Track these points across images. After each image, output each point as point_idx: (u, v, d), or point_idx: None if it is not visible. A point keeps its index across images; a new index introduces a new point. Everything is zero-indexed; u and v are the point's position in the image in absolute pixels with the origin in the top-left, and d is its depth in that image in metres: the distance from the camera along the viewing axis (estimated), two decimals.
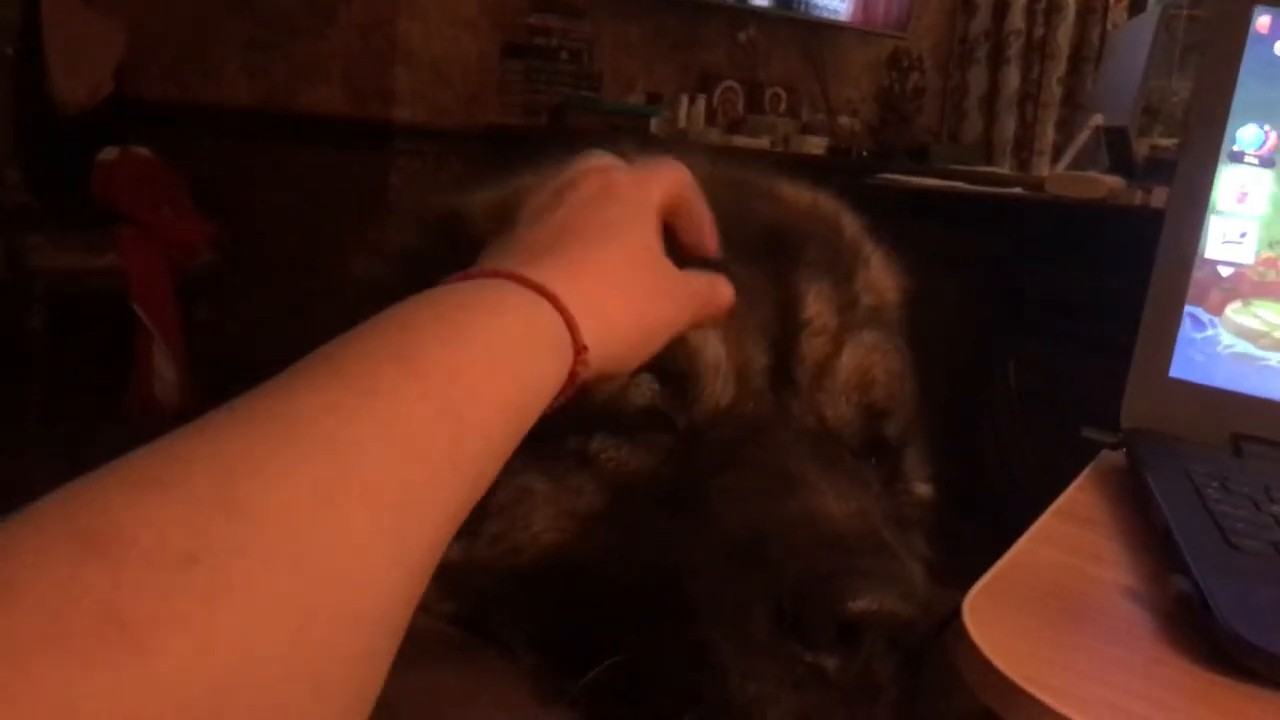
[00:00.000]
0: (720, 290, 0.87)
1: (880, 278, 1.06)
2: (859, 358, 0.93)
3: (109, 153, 5.18)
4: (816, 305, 0.93)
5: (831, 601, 0.70)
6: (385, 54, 5.31)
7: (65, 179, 5.11)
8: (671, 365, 0.86)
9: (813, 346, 0.91)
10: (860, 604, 0.70)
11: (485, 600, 0.83)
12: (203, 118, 5.58)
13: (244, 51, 5.61)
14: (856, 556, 0.74)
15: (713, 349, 0.87)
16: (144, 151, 5.28)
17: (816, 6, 6.17)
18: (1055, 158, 5.78)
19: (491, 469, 0.65)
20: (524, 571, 0.83)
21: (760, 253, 0.93)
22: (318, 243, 4.57)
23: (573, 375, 0.73)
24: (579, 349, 0.72)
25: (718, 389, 0.87)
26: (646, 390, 0.86)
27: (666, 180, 0.86)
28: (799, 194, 1.08)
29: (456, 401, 0.61)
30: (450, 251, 0.94)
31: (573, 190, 0.82)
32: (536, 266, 0.73)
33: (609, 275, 0.77)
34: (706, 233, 0.90)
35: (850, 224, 1.07)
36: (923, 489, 1.07)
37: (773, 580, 0.73)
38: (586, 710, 0.80)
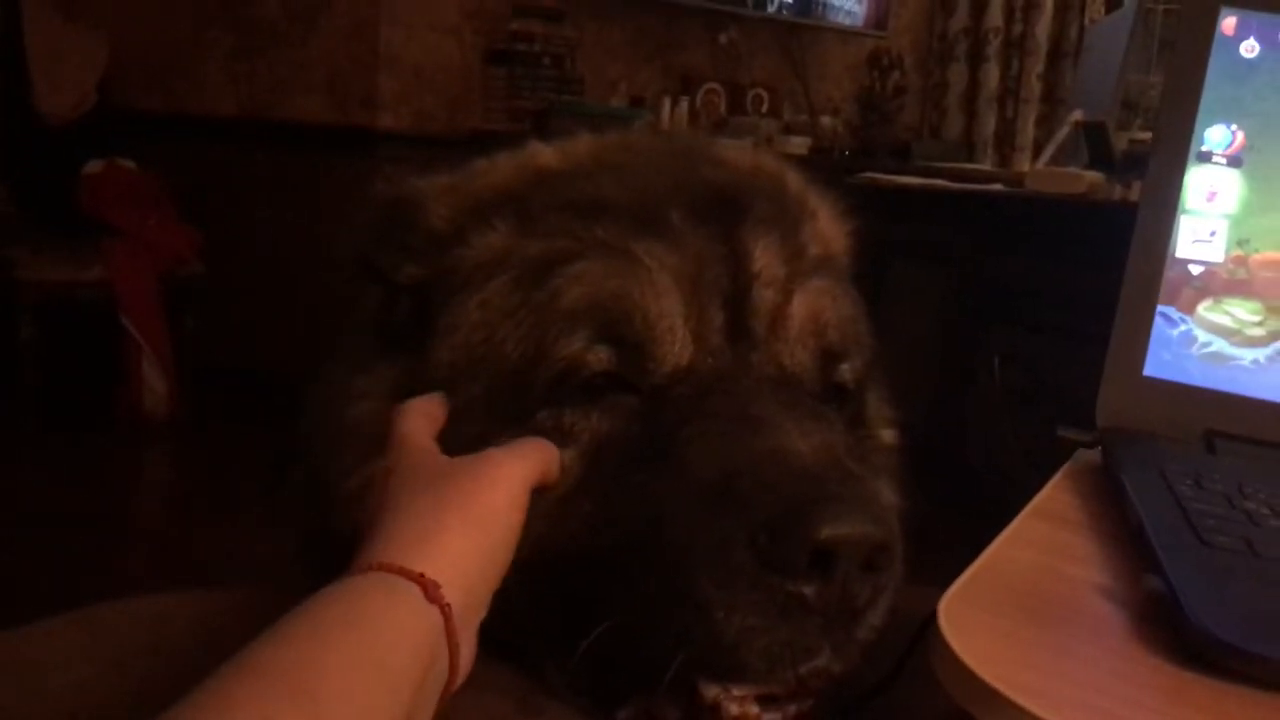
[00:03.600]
0: (546, 455, 0.88)
1: (827, 227, 1.08)
2: (810, 304, 0.96)
3: (94, 165, 5.17)
4: (765, 258, 0.95)
5: (803, 530, 0.73)
6: (368, 61, 5.31)
7: (50, 192, 5.10)
8: (628, 334, 0.89)
9: (764, 298, 0.94)
10: (831, 529, 0.73)
11: (498, 604, 0.85)
12: (187, 128, 5.57)
13: (227, 61, 5.61)
14: (824, 485, 0.76)
15: (667, 316, 0.89)
16: (128, 163, 5.28)
17: (834, 9, 6.21)
18: (1036, 153, 5.79)
19: None
20: (523, 564, 0.85)
21: (709, 214, 0.95)
22: (304, 250, 4.57)
23: (453, 668, 0.76)
24: (443, 608, 0.74)
25: (675, 351, 0.90)
26: (604, 359, 0.89)
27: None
28: (742, 156, 1.10)
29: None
30: (405, 232, 0.99)
31: (449, 487, 0.82)
32: (414, 555, 0.76)
33: (472, 548, 0.80)
34: None
35: (794, 180, 1.10)
36: (887, 434, 1.10)
37: (746, 516, 0.75)
38: (587, 678, 0.83)
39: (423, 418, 0.90)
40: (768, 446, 0.81)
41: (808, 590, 0.74)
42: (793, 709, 0.81)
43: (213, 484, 4.37)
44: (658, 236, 0.92)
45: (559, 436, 0.89)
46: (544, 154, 1.05)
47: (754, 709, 0.80)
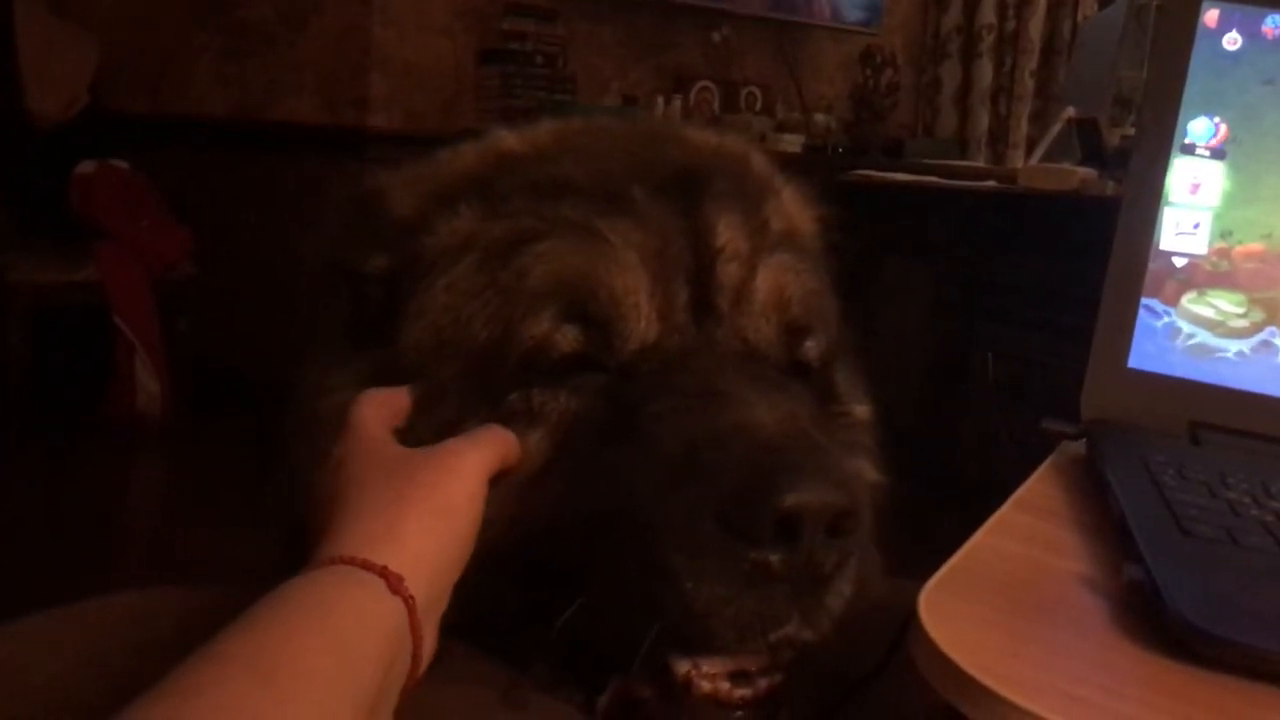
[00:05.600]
0: (504, 443, 0.88)
1: (791, 204, 1.09)
2: (773, 279, 0.96)
3: (85, 166, 5.16)
4: (728, 233, 0.95)
5: (767, 499, 0.74)
6: (359, 61, 5.30)
7: (42, 194, 5.09)
8: (595, 312, 0.90)
9: (728, 273, 0.94)
10: (794, 497, 0.74)
11: (475, 590, 0.85)
12: (178, 129, 5.56)
13: (218, 62, 5.60)
14: (787, 455, 0.77)
15: (633, 294, 0.90)
16: (121, 164, 5.27)
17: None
18: (1029, 150, 5.80)
19: None
20: (497, 547, 0.85)
21: (671, 191, 0.96)
22: (296, 251, 4.57)
23: (415, 660, 0.76)
24: (407, 600, 0.74)
25: (641, 329, 0.90)
26: (571, 339, 0.89)
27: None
28: (705, 136, 1.11)
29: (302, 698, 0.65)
30: (371, 223, 1.00)
31: (407, 480, 0.82)
32: (377, 548, 0.76)
33: (434, 541, 0.79)
34: None
35: (758, 160, 1.11)
36: (860, 409, 1.10)
37: (711, 487, 0.76)
38: (565, 662, 0.84)
39: (381, 407, 0.90)
40: (732, 419, 0.81)
41: (774, 558, 0.75)
42: (764, 683, 0.81)
43: (206, 484, 4.36)
44: (621, 214, 0.93)
45: (528, 417, 0.89)
46: (507, 139, 1.05)
47: (725, 684, 0.80)
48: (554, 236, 0.91)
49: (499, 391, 0.89)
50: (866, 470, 1.06)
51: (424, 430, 0.89)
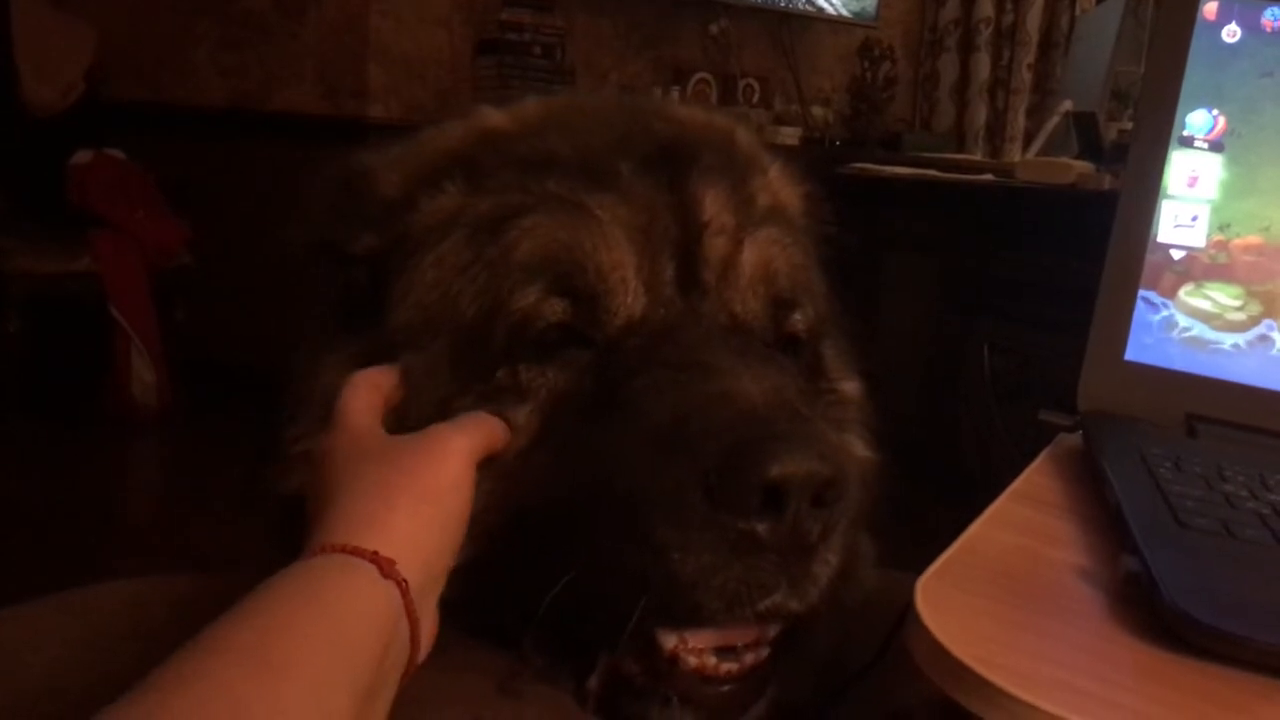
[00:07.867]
0: (490, 428, 0.88)
1: (777, 180, 1.09)
2: (760, 252, 0.97)
3: (82, 155, 5.15)
4: (714, 207, 0.96)
5: (752, 469, 0.74)
6: (358, 51, 5.29)
7: (38, 183, 5.08)
8: (582, 286, 0.90)
9: (715, 246, 0.94)
10: (778, 467, 0.74)
11: (465, 570, 0.85)
12: (176, 119, 5.55)
13: (216, 51, 5.59)
14: (771, 425, 0.78)
15: (619, 268, 0.90)
16: (117, 154, 5.26)
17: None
18: (1027, 144, 5.79)
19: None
20: (487, 525, 0.86)
21: (658, 165, 0.96)
22: (288, 237, 4.57)
23: (414, 645, 0.76)
24: (400, 583, 0.75)
25: (628, 303, 0.91)
26: (559, 311, 0.90)
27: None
28: (691, 112, 1.11)
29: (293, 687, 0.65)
30: (357, 204, 1.00)
31: (393, 466, 0.82)
32: (366, 534, 0.77)
33: (423, 525, 0.80)
34: None
35: (745, 136, 1.11)
36: (849, 385, 1.10)
37: (697, 458, 0.76)
38: (555, 639, 0.84)
39: (369, 391, 0.90)
40: (717, 390, 0.81)
41: (760, 527, 0.75)
42: (750, 659, 0.82)
43: (202, 473, 4.36)
44: (607, 188, 0.93)
45: (516, 394, 0.89)
46: (493, 116, 1.06)
47: (712, 659, 0.81)
48: (540, 211, 0.91)
49: (487, 368, 0.90)
50: (855, 445, 1.06)
51: (415, 409, 0.89)
